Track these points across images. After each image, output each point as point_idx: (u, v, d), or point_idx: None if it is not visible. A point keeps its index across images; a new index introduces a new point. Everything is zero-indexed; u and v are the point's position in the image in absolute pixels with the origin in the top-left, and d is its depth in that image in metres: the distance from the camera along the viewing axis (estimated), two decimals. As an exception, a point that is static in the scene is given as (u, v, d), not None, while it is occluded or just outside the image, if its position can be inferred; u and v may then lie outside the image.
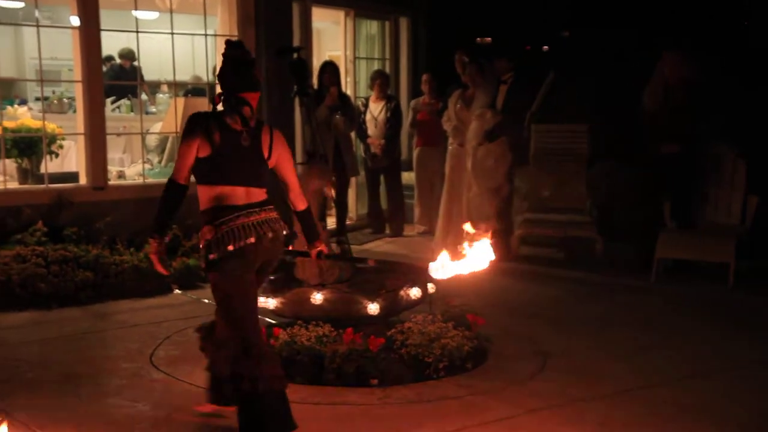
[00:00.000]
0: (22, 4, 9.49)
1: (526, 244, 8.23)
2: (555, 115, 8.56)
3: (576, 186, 8.24)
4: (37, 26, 7.44)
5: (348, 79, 9.63)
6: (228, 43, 3.82)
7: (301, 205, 4.03)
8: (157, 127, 9.27)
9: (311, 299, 5.04)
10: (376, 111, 9.08)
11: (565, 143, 8.45)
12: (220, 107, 3.76)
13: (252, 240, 3.66)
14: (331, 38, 10.75)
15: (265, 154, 3.78)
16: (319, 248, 4.10)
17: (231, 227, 3.64)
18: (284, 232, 3.86)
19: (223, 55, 3.79)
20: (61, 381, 4.69)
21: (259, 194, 3.77)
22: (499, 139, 7.73)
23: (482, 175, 7.81)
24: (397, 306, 5.17)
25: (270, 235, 3.73)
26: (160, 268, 3.80)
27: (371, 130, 9.08)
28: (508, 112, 7.83)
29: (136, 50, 8.60)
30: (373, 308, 4.97)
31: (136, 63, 9.44)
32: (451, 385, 4.59)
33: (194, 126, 3.69)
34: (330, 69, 8.38)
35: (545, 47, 15.31)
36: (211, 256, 3.66)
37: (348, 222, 8.96)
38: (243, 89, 3.73)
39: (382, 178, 9.32)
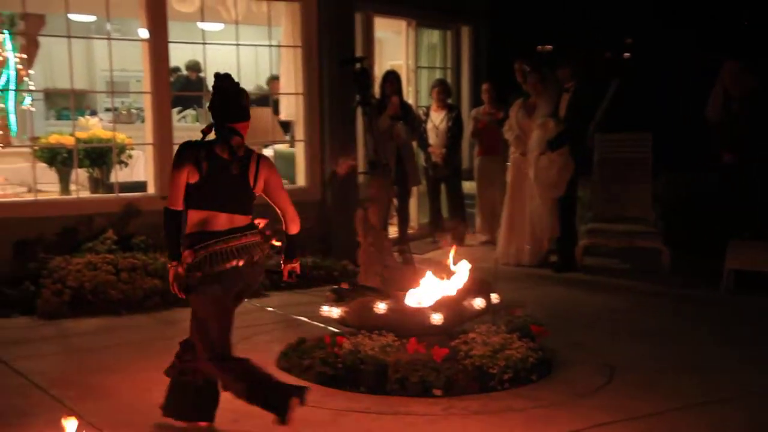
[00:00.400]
0: (93, 18, 9.77)
1: (591, 254, 8.12)
2: (619, 124, 8.44)
3: (641, 195, 8.11)
4: (108, 39, 7.64)
5: (409, 89, 9.65)
6: (216, 75, 3.96)
7: (294, 228, 4.10)
8: (221, 136, 9.42)
9: (375, 309, 5.06)
10: (437, 120, 9.07)
11: (630, 152, 8.32)
12: (211, 136, 3.90)
13: (230, 265, 3.82)
14: (392, 48, 10.79)
15: (251, 182, 3.91)
16: (294, 265, 4.16)
17: (210, 252, 3.80)
18: (267, 254, 3.98)
19: (213, 87, 3.94)
20: (130, 386, 4.79)
21: (242, 220, 3.91)
22: (562, 148, 7.67)
23: (545, 184, 7.76)
24: (460, 316, 5.16)
25: (249, 259, 3.87)
26: (179, 293, 3.92)
27: (432, 139, 9.08)
28: (570, 121, 7.75)
29: (202, 61, 8.77)
30: (437, 318, 4.97)
31: (201, 74, 9.65)
32: (516, 397, 4.55)
33: (184, 155, 3.86)
34: (392, 78, 8.42)
35: (626, 54, 15.04)
36: (191, 280, 3.81)
37: (410, 231, 8.97)
38: (233, 119, 3.88)
39: (443, 187, 9.30)
